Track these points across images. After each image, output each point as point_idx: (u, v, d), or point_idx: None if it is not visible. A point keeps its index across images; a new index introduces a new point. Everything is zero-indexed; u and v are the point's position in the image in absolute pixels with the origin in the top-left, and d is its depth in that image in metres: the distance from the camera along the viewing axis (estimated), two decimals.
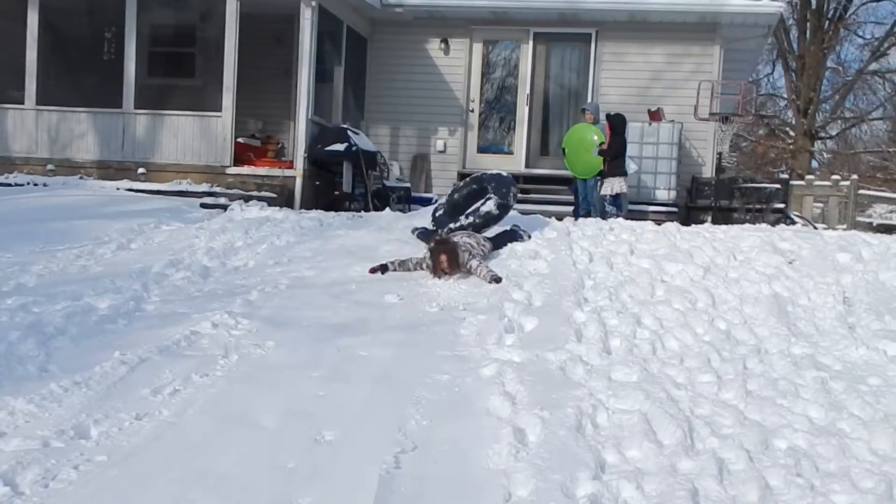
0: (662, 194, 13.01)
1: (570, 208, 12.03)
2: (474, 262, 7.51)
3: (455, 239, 7.82)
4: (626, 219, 9.94)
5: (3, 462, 3.81)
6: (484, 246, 8.00)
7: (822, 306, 6.85)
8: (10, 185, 11.65)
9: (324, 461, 4.02)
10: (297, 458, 4.03)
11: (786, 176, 18.53)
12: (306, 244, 8.70)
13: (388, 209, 11.29)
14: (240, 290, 6.89)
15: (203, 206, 10.81)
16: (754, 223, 10.19)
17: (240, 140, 12.69)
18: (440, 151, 14.36)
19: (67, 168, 12.32)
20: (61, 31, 12.99)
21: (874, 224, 15.93)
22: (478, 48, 14.35)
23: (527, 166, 14.16)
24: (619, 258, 8.03)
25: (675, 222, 9.76)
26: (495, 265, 7.71)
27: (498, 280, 7.25)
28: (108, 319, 5.97)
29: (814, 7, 27.74)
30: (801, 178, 18.78)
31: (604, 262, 7.90)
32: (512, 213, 9.11)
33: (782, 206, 13.08)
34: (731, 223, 10.28)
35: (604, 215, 11.03)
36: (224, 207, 10.61)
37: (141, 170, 12.17)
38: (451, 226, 8.56)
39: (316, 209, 11.10)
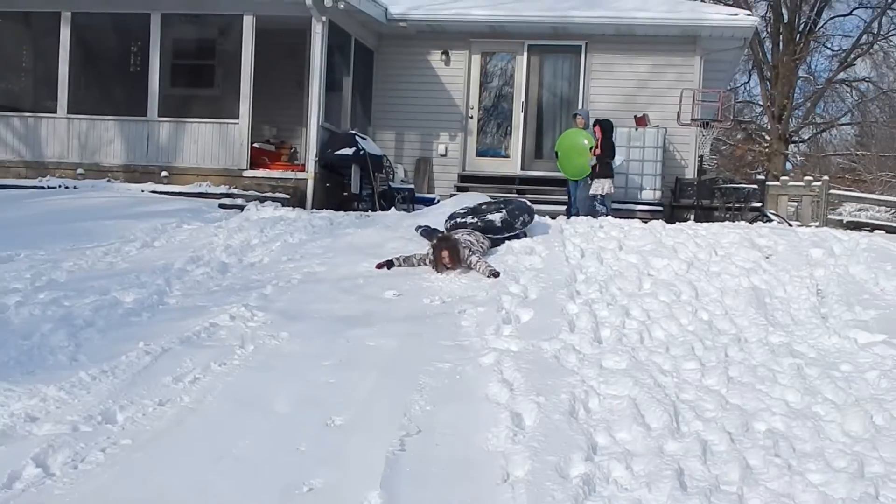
0: (648, 194, 13.01)
1: (563, 207, 12.00)
2: (474, 258, 7.47)
3: (456, 236, 7.78)
4: (615, 217, 9.89)
5: (35, 445, 3.79)
6: (483, 243, 7.96)
7: (797, 298, 6.83)
8: (43, 188, 11.67)
9: (334, 444, 3.99)
10: (308, 442, 4.00)
11: (762, 177, 18.44)
12: (317, 242, 8.66)
13: (393, 209, 11.24)
14: (255, 285, 6.86)
15: (221, 206, 10.77)
16: (734, 221, 10.15)
17: (255, 145, 12.72)
18: (442, 155, 14.30)
19: (96, 172, 12.32)
20: (91, 46, 13.02)
21: (844, 221, 15.96)
22: (476, 59, 14.30)
23: (522, 169, 14.10)
24: (608, 254, 8.00)
25: (660, 220, 9.72)
26: (493, 261, 7.68)
27: (496, 275, 7.21)
28: (133, 312, 5.95)
29: (786, 21, 27.85)
30: (777, 178, 18.78)
31: (594, 257, 7.87)
32: None
33: (759, 204, 13.04)
34: (713, 221, 10.24)
35: (594, 214, 10.98)
36: (241, 208, 10.57)
37: (164, 173, 12.15)
38: (457, 220, 8.50)
39: (326, 209, 11.06)
